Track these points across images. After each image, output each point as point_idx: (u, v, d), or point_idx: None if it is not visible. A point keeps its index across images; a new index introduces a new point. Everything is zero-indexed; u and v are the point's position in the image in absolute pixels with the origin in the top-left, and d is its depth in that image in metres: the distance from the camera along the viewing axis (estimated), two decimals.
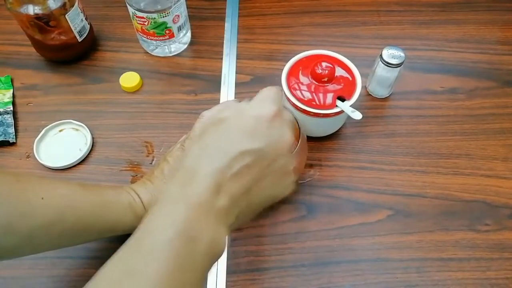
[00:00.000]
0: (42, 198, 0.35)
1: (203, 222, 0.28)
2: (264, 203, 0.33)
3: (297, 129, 0.42)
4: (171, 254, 0.26)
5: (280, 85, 0.50)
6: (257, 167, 0.30)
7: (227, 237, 0.30)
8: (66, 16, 0.56)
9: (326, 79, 0.49)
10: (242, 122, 0.31)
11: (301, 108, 0.48)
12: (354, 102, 0.48)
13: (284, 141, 0.32)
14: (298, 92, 0.49)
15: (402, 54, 0.53)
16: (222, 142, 0.30)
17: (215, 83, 0.61)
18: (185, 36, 0.64)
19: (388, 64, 0.53)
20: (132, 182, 0.51)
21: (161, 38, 0.60)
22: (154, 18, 0.57)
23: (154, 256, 0.26)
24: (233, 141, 0.30)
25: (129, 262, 0.27)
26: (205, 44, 0.66)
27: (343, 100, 0.49)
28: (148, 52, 0.64)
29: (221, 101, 0.59)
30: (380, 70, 0.55)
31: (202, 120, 0.33)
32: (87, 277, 0.44)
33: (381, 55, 0.54)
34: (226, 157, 0.29)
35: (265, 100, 0.32)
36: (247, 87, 0.61)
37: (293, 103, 0.48)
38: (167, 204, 0.29)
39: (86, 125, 0.55)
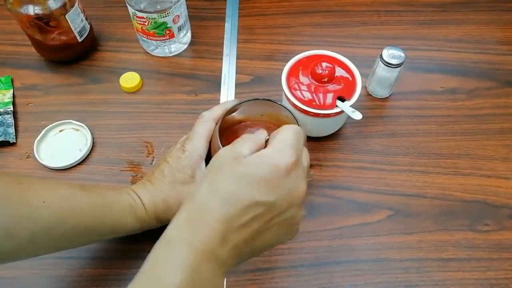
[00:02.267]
0: (43, 201, 0.35)
1: (207, 271, 0.28)
2: (266, 249, 0.32)
3: None
4: None
5: (280, 85, 0.50)
6: (266, 218, 0.29)
7: (223, 283, 0.30)
8: (66, 16, 0.56)
9: (326, 79, 0.49)
10: (258, 169, 0.29)
11: (301, 108, 0.48)
12: (354, 102, 0.48)
13: (298, 193, 0.30)
14: (298, 92, 0.49)
15: (402, 54, 0.53)
16: (235, 188, 0.29)
17: (215, 83, 0.61)
18: (185, 36, 0.64)
19: (388, 64, 0.53)
20: (132, 182, 0.51)
21: (161, 38, 0.61)
22: (154, 18, 0.57)
23: None
24: (245, 189, 0.29)
25: None
26: (205, 44, 0.66)
27: (343, 100, 0.49)
28: (148, 52, 0.64)
29: (221, 101, 0.59)
30: (380, 70, 0.55)
31: (221, 154, 0.31)
32: (88, 277, 0.45)
33: (381, 55, 0.54)
34: (236, 205, 0.28)
35: (285, 146, 0.31)
36: (247, 87, 0.61)
37: (293, 103, 0.48)
38: (173, 244, 0.28)
39: (86, 125, 0.55)
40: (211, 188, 0.30)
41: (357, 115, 0.47)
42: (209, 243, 0.28)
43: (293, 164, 0.30)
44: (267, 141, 0.33)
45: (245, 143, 0.31)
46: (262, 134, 0.33)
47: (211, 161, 0.31)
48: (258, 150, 0.31)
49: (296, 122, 0.42)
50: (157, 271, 0.28)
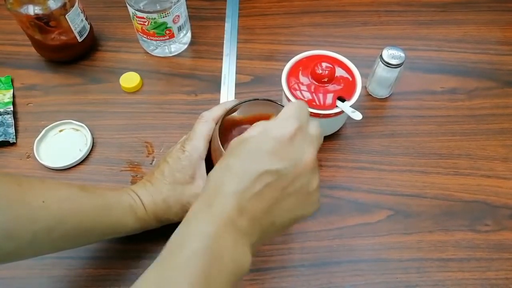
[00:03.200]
0: (43, 202, 0.35)
1: (229, 240, 0.29)
2: (288, 223, 0.33)
3: None
4: (199, 267, 0.27)
5: (280, 85, 0.50)
6: (278, 187, 0.30)
7: (250, 256, 0.30)
8: (66, 16, 0.56)
9: (326, 80, 0.49)
10: (263, 143, 0.31)
11: None
12: (354, 103, 0.48)
13: (306, 159, 0.31)
14: (298, 93, 0.49)
15: (402, 54, 0.53)
16: (243, 163, 0.30)
17: (215, 83, 0.61)
18: (185, 36, 0.64)
19: (388, 65, 0.53)
20: (132, 182, 0.51)
21: (161, 38, 0.61)
22: (154, 18, 0.57)
23: (182, 271, 0.27)
24: (254, 162, 0.30)
25: (161, 275, 0.27)
26: (205, 44, 0.66)
27: (343, 100, 0.49)
28: (148, 52, 0.64)
29: (221, 101, 0.59)
30: (380, 70, 0.55)
31: (231, 144, 0.33)
32: (87, 277, 0.45)
33: (381, 55, 0.54)
34: (248, 177, 0.30)
35: (287, 118, 0.32)
36: (247, 87, 0.61)
37: None
38: (193, 221, 0.30)
39: (86, 125, 0.55)
40: (222, 171, 0.31)
41: (357, 115, 0.47)
42: (226, 214, 0.29)
43: (295, 132, 0.31)
44: None
45: (256, 126, 0.33)
46: (271, 117, 0.34)
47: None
48: None
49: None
50: (178, 242, 0.29)
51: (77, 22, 0.58)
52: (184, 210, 0.42)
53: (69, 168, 0.53)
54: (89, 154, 0.54)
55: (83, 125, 0.55)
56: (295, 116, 0.32)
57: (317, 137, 0.33)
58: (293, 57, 0.52)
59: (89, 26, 0.62)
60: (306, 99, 0.48)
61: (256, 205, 0.30)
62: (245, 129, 0.46)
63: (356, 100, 0.49)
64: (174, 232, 0.30)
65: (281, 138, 0.31)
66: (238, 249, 0.29)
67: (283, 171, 0.30)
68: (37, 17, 0.54)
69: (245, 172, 0.30)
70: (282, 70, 0.51)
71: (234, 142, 0.32)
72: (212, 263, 0.27)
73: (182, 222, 0.30)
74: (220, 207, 0.29)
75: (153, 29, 0.59)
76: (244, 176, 0.30)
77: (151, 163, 0.53)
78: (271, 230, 0.32)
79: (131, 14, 0.59)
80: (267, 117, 0.45)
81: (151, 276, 0.28)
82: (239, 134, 0.46)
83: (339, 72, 0.50)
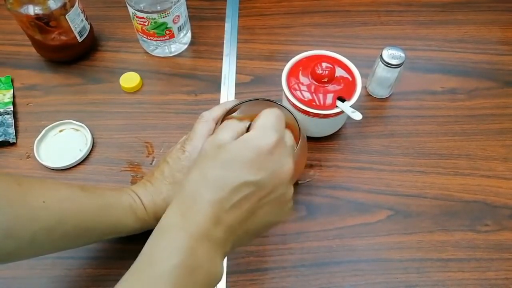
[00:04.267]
0: (43, 202, 0.35)
1: (202, 253, 0.28)
2: (261, 230, 0.33)
3: (297, 129, 0.42)
4: (175, 282, 0.27)
5: (280, 85, 0.50)
6: (256, 198, 0.30)
7: (222, 267, 0.30)
8: (66, 16, 0.56)
9: (326, 80, 0.49)
10: (242, 153, 0.30)
11: (301, 108, 0.48)
12: (354, 103, 0.48)
13: (284, 171, 0.31)
14: (298, 93, 0.49)
15: (402, 55, 0.53)
16: (222, 173, 0.30)
17: (215, 84, 0.61)
18: (185, 37, 0.64)
19: (388, 65, 0.53)
20: (132, 182, 0.52)
21: (161, 38, 0.61)
22: (154, 19, 0.57)
23: (158, 286, 0.27)
24: (233, 172, 0.30)
25: None
26: (205, 45, 0.66)
27: (343, 100, 0.49)
28: (148, 52, 0.64)
29: (221, 101, 0.59)
30: (380, 70, 0.55)
31: (206, 144, 0.32)
32: (87, 277, 0.45)
33: (381, 56, 0.54)
34: (225, 188, 0.29)
35: (265, 128, 0.32)
36: (247, 87, 0.61)
37: (293, 104, 0.48)
38: (167, 231, 0.29)
39: (86, 125, 0.55)
40: (199, 177, 0.31)
41: (357, 116, 0.47)
42: (202, 226, 0.29)
43: (275, 144, 0.31)
44: (249, 127, 0.35)
45: (226, 130, 0.33)
46: (243, 122, 0.34)
47: (198, 153, 0.33)
48: (240, 136, 0.32)
49: (296, 122, 0.42)
50: (152, 257, 0.28)
51: (77, 22, 0.58)
52: None
53: (69, 168, 0.53)
54: (89, 154, 0.54)
55: (83, 125, 0.55)
56: (275, 126, 0.32)
57: (291, 147, 0.34)
58: (293, 57, 0.52)
59: (89, 26, 0.62)
60: (306, 99, 0.48)
61: (232, 216, 0.30)
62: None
63: (356, 100, 0.49)
64: (147, 242, 0.29)
65: (261, 149, 0.30)
66: (211, 261, 0.29)
67: (261, 182, 0.30)
68: (37, 17, 0.54)
69: (223, 182, 0.30)
70: (282, 70, 0.51)
71: (207, 145, 0.32)
72: (186, 277, 0.27)
73: (155, 231, 0.30)
74: (196, 218, 0.29)
75: (153, 29, 0.59)
76: (221, 186, 0.29)
77: (151, 163, 0.53)
78: (245, 238, 0.32)
79: (131, 14, 0.59)
80: None
81: None
82: None
83: (339, 72, 0.50)
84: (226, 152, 0.31)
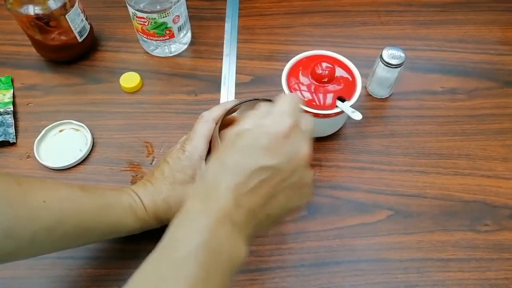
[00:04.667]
0: (44, 201, 0.35)
1: (224, 234, 0.29)
2: (282, 214, 0.34)
3: None
4: (197, 264, 0.27)
5: (280, 85, 0.50)
6: (274, 181, 0.31)
7: (246, 248, 0.31)
8: (66, 16, 0.56)
9: (326, 80, 0.49)
10: (258, 139, 0.31)
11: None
12: (354, 103, 0.48)
13: (300, 155, 0.32)
14: (298, 93, 0.49)
15: (402, 55, 0.53)
16: (239, 158, 0.31)
17: (215, 84, 0.61)
18: (185, 37, 0.64)
19: (388, 65, 0.53)
20: (132, 182, 0.52)
21: (161, 38, 0.61)
22: (154, 19, 0.57)
23: (181, 268, 0.27)
24: (250, 158, 0.31)
25: (158, 272, 0.28)
26: (205, 45, 0.66)
27: (343, 100, 0.49)
28: (148, 52, 0.64)
29: (221, 101, 0.59)
30: (380, 70, 0.55)
31: (226, 135, 0.33)
32: (87, 277, 0.45)
33: (381, 55, 0.54)
34: (243, 173, 0.30)
35: (281, 114, 0.33)
36: (247, 87, 0.61)
37: None
38: (190, 215, 0.30)
39: (86, 125, 0.55)
40: (218, 164, 0.32)
41: (357, 116, 0.47)
42: (223, 208, 0.29)
43: (290, 129, 0.32)
44: None
45: (246, 119, 0.33)
46: (263, 108, 0.35)
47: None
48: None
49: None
50: (176, 240, 0.29)
51: (77, 22, 0.58)
52: None
53: (69, 168, 0.53)
54: (89, 154, 0.54)
55: (83, 125, 0.55)
56: (290, 112, 0.33)
57: (309, 132, 0.34)
58: (293, 57, 0.52)
59: (89, 26, 0.62)
60: (306, 99, 0.48)
61: (252, 199, 0.30)
62: None
63: (356, 100, 0.49)
64: (169, 228, 0.30)
65: (276, 134, 0.31)
66: (234, 242, 0.30)
67: (278, 166, 0.31)
68: (37, 17, 0.54)
69: (241, 167, 0.30)
70: (282, 70, 0.51)
71: (229, 134, 0.33)
72: (210, 257, 0.28)
73: (179, 214, 0.30)
74: (217, 201, 0.30)
75: (153, 29, 0.59)
76: (239, 172, 0.30)
77: (151, 163, 0.53)
78: (266, 222, 0.32)
79: (131, 14, 0.59)
80: None
81: (149, 271, 0.28)
82: None
83: (339, 72, 0.50)
84: (243, 139, 0.32)
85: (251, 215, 0.31)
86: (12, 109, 0.57)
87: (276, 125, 0.32)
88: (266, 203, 0.31)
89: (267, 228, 0.34)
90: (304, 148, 0.32)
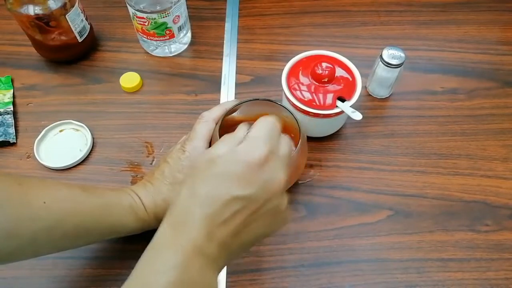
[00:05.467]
0: (44, 202, 0.35)
1: (195, 269, 0.28)
2: (256, 241, 0.33)
3: (297, 130, 0.42)
4: None
5: (280, 85, 0.50)
6: (248, 212, 0.30)
7: (217, 282, 0.30)
8: (66, 16, 0.56)
9: (326, 80, 0.49)
10: (231, 167, 0.30)
11: (301, 108, 0.48)
12: (354, 103, 0.48)
13: (275, 183, 0.31)
14: (298, 93, 0.49)
15: (402, 55, 0.53)
16: (211, 188, 0.30)
17: (215, 84, 0.61)
18: (185, 37, 0.64)
19: (388, 65, 0.53)
20: (133, 182, 0.52)
21: (161, 38, 0.61)
22: (154, 19, 0.57)
23: None
24: (222, 187, 0.29)
25: None
26: (205, 45, 0.66)
27: (343, 100, 0.49)
28: (148, 52, 0.64)
29: (221, 101, 0.59)
30: (380, 70, 0.55)
31: (198, 159, 0.32)
32: (88, 277, 0.45)
33: (381, 56, 0.54)
34: (215, 204, 0.29)
35: (256, 140, 0.31)
36: (247, 87, 0.61)
37: (293, 104, 0.48)
38: (160, 249, 0.29)
39: (86, 125, 0.55)
40: (190, 193, 0.30)
41: (357, 116, 0.47)
42: (195, 241, 0.28)
43: (265, 157, 0.30)
44: None
45: (222, 144, 0.32)
46: (241, 131, 0.34)
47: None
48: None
49: (296, 122, 0.42)
50: (145, 274, 0.28)
51: (77, 22, 0.58)
52: None
53: (69, 168, 0.53)
54: (89, 154, 0.54)
55: (83, 125, 0.55)
56: (266, 138, 0.31)
57: (287, 157, 0.33)
58: (293, 57, 0.52)
59: (89, 26, 0.62)
60: (306, 99, 0.48)
61: (225, 231, 0.29)
62: None
63: (356, 100, 0.49)
64: (140, 261, 0.29)
65: (250, 163, 0.30)
66: (206, 276, 0.29)
67: (252, 196, 0.29)
68: (37, 17, 0.54)
69: (213, 198, 0.29)
70: (282, 70, 0.51)
71: (200, 159, 0.31)
72: None
73: (148, 249, 0.29)
74: (188, 234, 0.28)
75: (153, 29, 0.59)
76: (211, 203, 0.29)
77: (151, 163, 0.53)
78: (239, 251, 0.32)
79: (131, 14, 0.59)
80: None
81: None
82: None
83: (339, 72, 0.50)
84: (216, 166, 0.30)
85: (224, 247, 0.29)
86: (12, 109, 0.57)
87: (250, 153, 0.30)
88: (239, 233, 0.30)
89: (239, 256, 0.33)
90: (279, 176, 0.31)
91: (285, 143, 0.33)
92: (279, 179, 0.31)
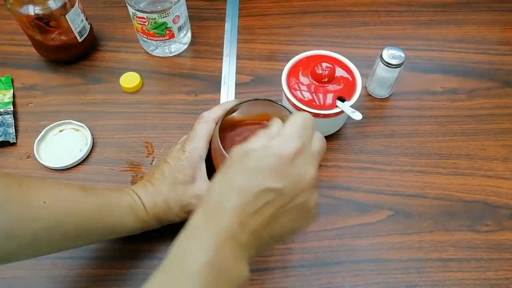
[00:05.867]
0: (44, 202, 0.35)
1: (229, 254, 0.29)
2: (287, 235, 0.34)
3: None
4: (202, 284, 0.27)
5: (280, 85, 0.50)
6: (279, 204, 0.31)
7: (248, 270, 0.30)
8: (66, 16, 0.56)
9: (326, 80, 0.49)
10: (265, 160, 0.31)
11: (301, 108, 0.48)
12: (354, 103, 0.48)
13: (306, 179, 0.32)
14: (298, 93, 0.49)
15: (402, 55, 0.53)
16: (246, 179, 0.31)
17: (215, 84, 0.61)
18: (185, 37, 0.64)
19: (388, 65, 0.53)
20: (133, 182, 0.52)
21: (161, 38, 0.61)
22: (154, 19, 0.57)
23: (189, 285, 0.27)
24: (254, 179, 0.30)
25: None
26: (205, 45, 0.66)
27: (343, 100, 0.49)
28: (148, 52, 0.64)
29: (221, 101, 0.59)
30: (380, 70, 0.55)
31: (234, 151, 0.33)
32: (87, 277, 0.45)
33: (381, 56, 0.54)
34: (247, 195, 0.30)
35: (290, 135, 0.32)
36: (247, 87, 0.61)
37: (293, 104, 0.48)
38: (195, 233, 0.30)
39: (86, 125, 0.55)
40: (225, 183, 0.31)
41: (357, 116, 0.47)
42: (228, 228, 0.29)
43: (297, 152, 0.31)
44: None
45: (257, 138, 0.33)
46: (275, 126, 0.34)
47: (226, 160, 0.33)
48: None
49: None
50: (181, 257, 0.29)
51: (77, 22, 0.58)
52: (184, 211, 0.42)
53: (69, 168, 0.53)
54: (89, 154, 0.54)
55: (83, 125, 0.55)
56: (299, 134, 0.32)
57: (319, 152, 0.34)
58: (293, 57, 0.52)
59: (89, 26, 0.62)
60: (306, 99, 0.48)
61: (257, 220, 0.30)
62: (246, 129, 0.46)
63: (356, 100, 0.49)
64: (176, 244, 0.30)
65: (283, 157, 0.31)
66: (238, 262, 0.30)
67: (284, 189, 0.30)
68: (37, 17, 0.54)
69: (247, 188, 0.30)
70: (282, 70, 0.51)
71: (235, 152, 0.32)
72: (214, 277, 0.28)
73: (183, 234, 0.30)
74: (222, 221, 0.30)
75: (153, 29, 0.59)
76: (245, 192, 0.30)
77: (151, 163, 0.53)
78: (269, 242, 0.32)
79: (131, 14, 0.59)
80: (267, 117, 0.46)
81: None
82: (239, 134, 0.46)
83: (339, 72, 0.50)
84: (250, 159, 0.31)
85: (255, 235, 0.30)
86: (12, 109, 0.57)
87: (284, 147, 0.31)
88: (270, 224, 0.31)
89: (270, 248, 0.34)
90: (310, 171, 0.32)
91: (318, 139, 0.34)
92: (310, 174, 0.32)
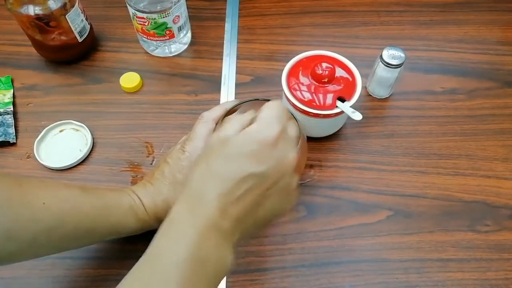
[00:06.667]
0: (44, 203, 0.35)
1: (211, 244, 0.29)
2: (269, 220, 0.34)
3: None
4: (184, 275, 0.27)
5: (280, 85, 0.50)
6: (261, 189, 0.31)
7: (232, 256, 0.31)
8: (66, 16, 0.56)
9: (326, 80, 0.49)
10: (245, 145, 0.31)
11: (301, 108, 0.48)
12: (354, 103, 0.48)
13: (287, 162, 0.32)
14: (298, 93, 0.49)
15: (402, 55, 0.53)
16: (226, 166, 0.31)
17: (215, 84, 0.61)
18: (185, 37, 0.64)
19: (388, 65, 0.53)
20: (133, 182, 0.52)
21: (161, 38, 0.61)
22: (154, 19, 0.57)
23: (167, 278, 0.27)
24: (236, 166, 0.31)
25: (144, 283, 0.28)
26: (205, 45, 0.66)
27: (343, 100, 0.49)
28: (148, 53, 0.64)
29: (221, 101, 0.59)
30: (380, 70, 0.55)
31: (210, 140, 0.33)
32: (87, 277, 0.45)
33: (381, 56, 0.54)
34: (229, 182, 0.30)
35: (268, 121, 0.33)
36: (247, 87, 0.61)
37: (293, 104, 0.48)
38: (176, 226, 0.30)
39: (86, 125, 0.55)
40: (205, 171, 0.31)
41: (357, 116, 0.47)
42: (210, 218, 0.29)
43: (278, 136, 0.32)
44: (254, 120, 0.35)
45: (231, 124, 0.33)
46: (247, 114, 0.35)
47: (202, 149, 0.34)
48: (244, 129, 0.33)
49: (296, 122, 0.42)
50: (160, 251, 0.29)
51: (77, 22, 0.58)
52: None
53: (69, 168, 0.53)
54: (89, 154, 0.54)
55: (83, 125, 0.55)
56: (277, 119, 0.33)
57: (296, 138, 0.35)
58: (293, 57, 0.52)
59: (89, 26, 0.62)
60: (306, 99, 0.48)
61: (239, 207, 0.30)
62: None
63: (356, 100, 0.49)
64: (156, 236, 0.30)
65: (263, 142, 0.31)
66: (221, 250, 0.30)
67: (265, 174, 0.31)
68: (37, 17, 0.54)
69: (228, 175, 0.30)
70: (282, 70, 0.51)
71: (214, 138, 0.33)
72: (195, 269, 0.28)
73: (163, 226, 0.30)
74: (203, 210, 0.30)
75: (153, 29, 0.59)
76: (226, 180, 0.30)
77: (151, 163, 0.53)
78: (253, 228, 0.33)
79: (131, 14, 0.59)
80: None
81: (134, 281, 0.28)
82: None
83: (339, 72, 0.50)
84: (230, 146, 0.31)
85: (238, 222, 0.31)
86: (12, 109, 0.57)
87: (264, 132, 0.32)
88: (252, 210, 0.31)
89: (254, 233, 0.34)
90: (290, 154, 0.33)
91: (293, 125, 0.35)
92: (290, 157, 0.32)
